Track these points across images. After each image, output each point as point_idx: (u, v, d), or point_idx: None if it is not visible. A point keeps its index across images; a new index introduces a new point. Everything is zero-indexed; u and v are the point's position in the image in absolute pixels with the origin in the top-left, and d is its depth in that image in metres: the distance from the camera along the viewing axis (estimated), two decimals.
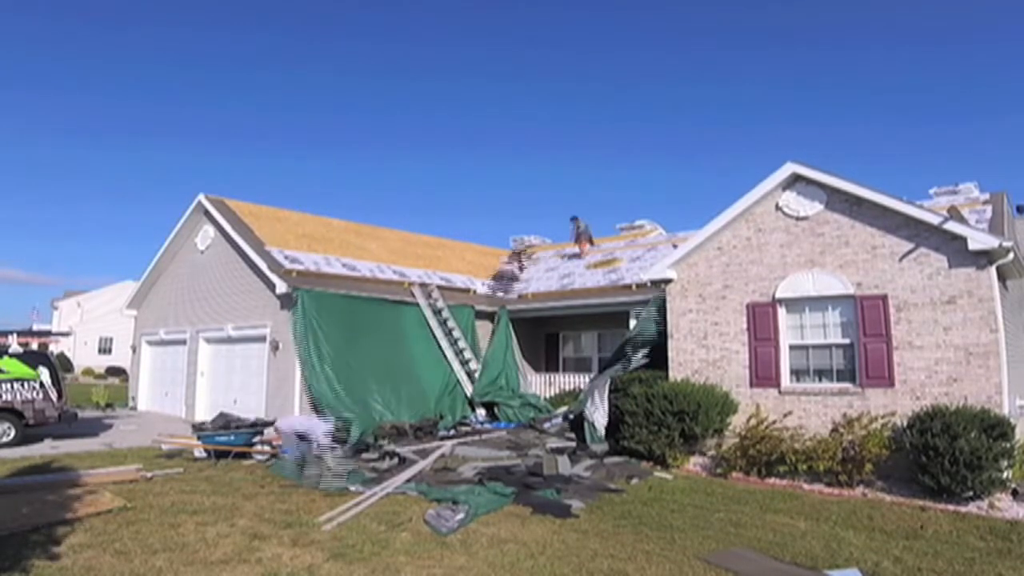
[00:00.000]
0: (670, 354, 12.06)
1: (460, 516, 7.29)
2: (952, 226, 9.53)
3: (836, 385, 10.35)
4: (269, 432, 12.04)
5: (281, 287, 14.21)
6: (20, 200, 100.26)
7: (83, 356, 44.04)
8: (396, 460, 10.73)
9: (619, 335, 16.47)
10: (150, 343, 20.28)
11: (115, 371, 39.34)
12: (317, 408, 13.67)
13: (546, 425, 13.74)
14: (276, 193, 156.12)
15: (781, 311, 10.98)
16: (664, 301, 12.56)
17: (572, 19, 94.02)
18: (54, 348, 31.03)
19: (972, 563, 6.08)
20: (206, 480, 9.38)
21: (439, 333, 16.49)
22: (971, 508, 8.08)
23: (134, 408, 20.14)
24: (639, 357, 13.18)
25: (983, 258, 9.40)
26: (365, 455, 11.36)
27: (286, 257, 15.60)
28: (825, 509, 8.04)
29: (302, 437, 10.39)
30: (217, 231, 17.32)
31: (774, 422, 10.38)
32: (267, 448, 11.42)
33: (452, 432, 14.05)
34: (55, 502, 7.66)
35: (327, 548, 6.24)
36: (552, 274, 20.04)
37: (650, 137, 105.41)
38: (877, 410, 9.75)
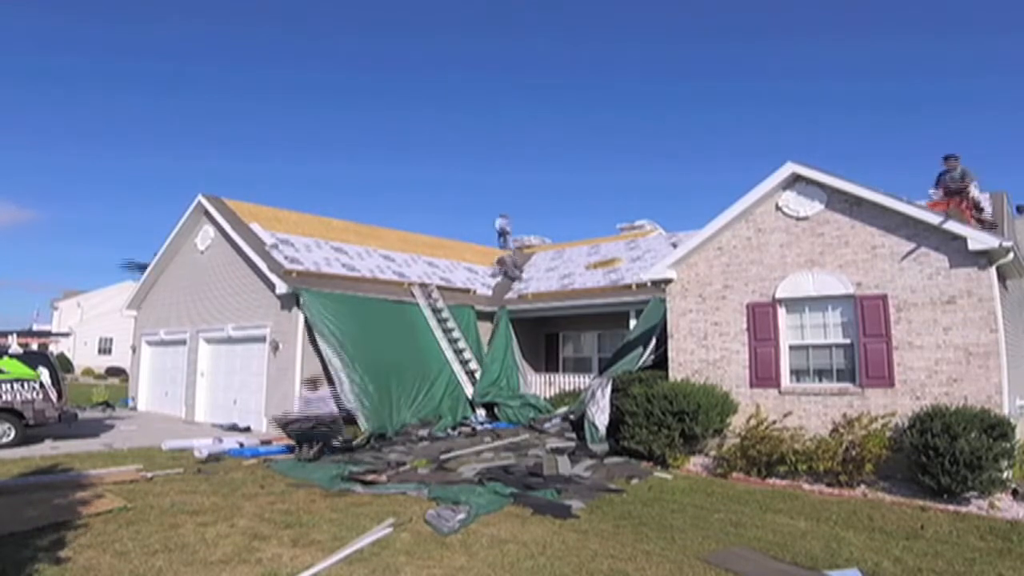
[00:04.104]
0: (670, 354, 12.06)
1: (461, 516, 7.29)
2: (952, 226, 9.53)
3: (836, 385, 10.35)
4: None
5: (281, 287, 14.22)
6: (19, 201, 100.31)
7: (83, 356, 44.02)
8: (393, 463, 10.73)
9: (619, 335, 16.48)
10: (150, 343, 20.28)
11: (115, 371, 39.33)
12: (344, 407, 13.68)
13: (546, 425, 13.74)
14: (276, 193, 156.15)
15: (781, 311, 10.98)
16: (664, 301, 12.56)
17: (572, 18, 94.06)
18: (54, 348, 31.03)
19: (972, 563, 6.08)
20: (206, 480, 9.37)
21: (439, 334, 16.49)
22: (971, 508, 8.08)
23: (134, 408, 20.15)
24: (641, 357, 13.19)
25: (983, 258, 9.40)
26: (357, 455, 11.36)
27: (286, 257, 15.61)
28: (825, 509, 8.04)
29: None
30: (217, 231, 17.33)
31: (774, 422, 10.38)
32: None
33: (452, 432, 14.07)
34: (55, 502, 7.66)
35: (327, 548, 6.24)
36: (552, 274, 20.05)
37: (650, 137, 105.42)
38: (877, 410, 9.75)
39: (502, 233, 24.35)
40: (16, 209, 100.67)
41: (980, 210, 10.94)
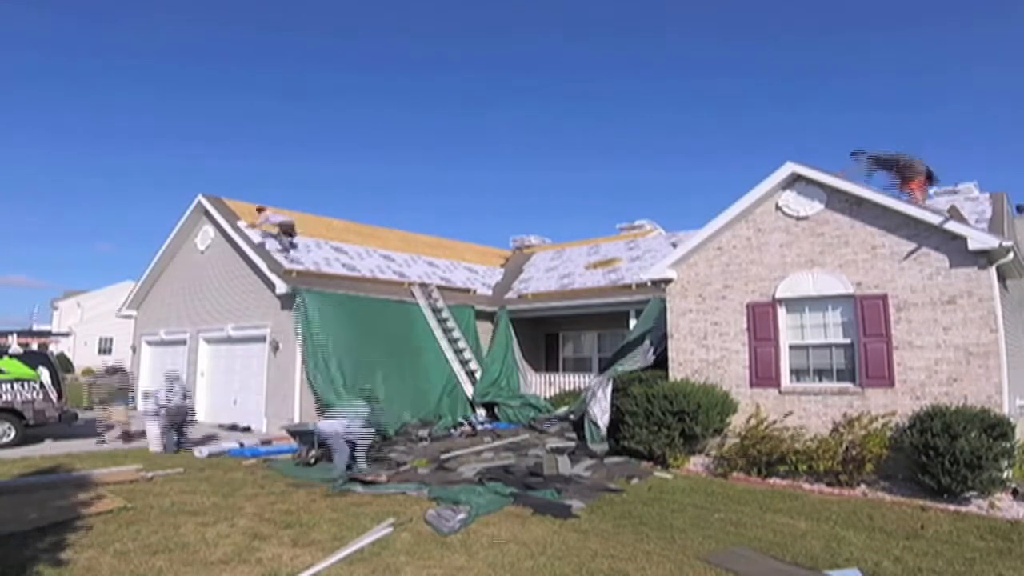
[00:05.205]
0: (670, 354, 12.06)
1: (461, 516, 7.29)
2: (952, 226, 9.53)
3: (836, 385, 10.35)
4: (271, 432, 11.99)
5: (281, 287, 14.22)
6: (18, 203, 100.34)
7: (83, 356, 43.99)
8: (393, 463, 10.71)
9: (619, 335, 16.48)
10: (150, 343, 20.27)
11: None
12: (322, 409, 13.66)
13: (546, 425, 13.74)
14: (276, 193, 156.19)
15: (781, 311, 10.98)
16: (664, 301, 12.56)
17: (572, 18, 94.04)
18: (54, 348, 30.99)
19: (972, 563, 6.08)
20: (206, 480, 9.38)
21: (439, 334, 16.49)
22: (971, 508, 8.08)
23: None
24: (641, 357, 13.18)
25: (983, 258, 9.40)
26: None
27: (286, 257, 15.60)
28: (825, 509, 8.04)
29: (349, 441, 10.40)
30: (217, 231, 17.32)
31: (774, 422, 10.38)
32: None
33: (452, 432, 14.06)
34: (55, 503, 7.66)
35: (327, 548, 6.24)
36: (552, 274, 20.04)
37: (650, 137, 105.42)
38: (877, 410, 9.76)
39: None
40: (16, 209, 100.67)
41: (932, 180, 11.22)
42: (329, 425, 10.47)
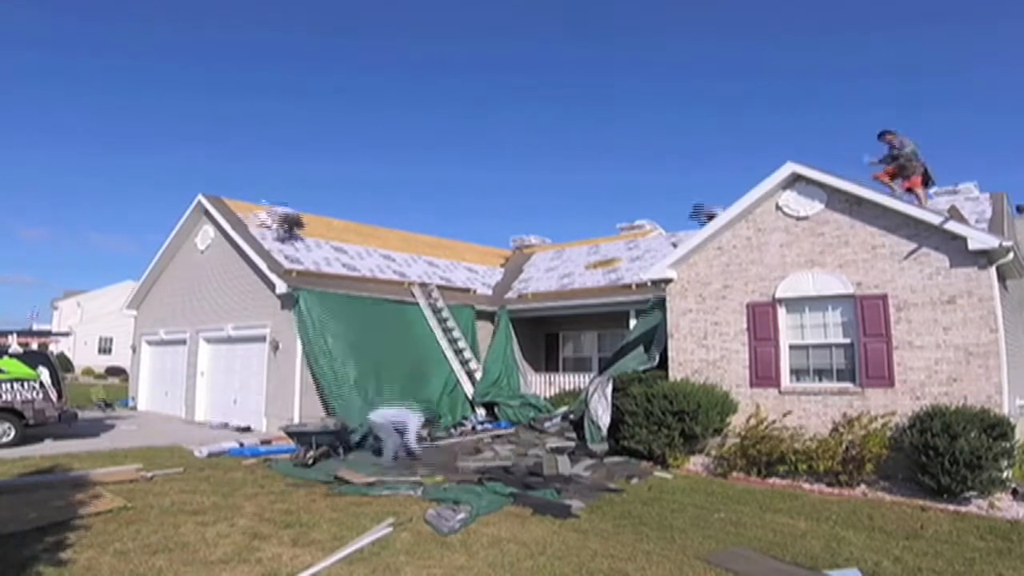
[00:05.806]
0: (670, 354, 12.06)
1: (461, 516, 7.29)
2: (952, 226, 9.53)
3: (836, 385, 10.35)
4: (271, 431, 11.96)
5: (281, 287, 14.22)
6: (18, 203, 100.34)
7: (83, 356, 44.00)
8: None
9: (619, 335, 16.47)
10: (150, 343, 20.28)
11: (115, 371, 39.33)
12: (328, 409, 13.66)
13: (546, 425, 13.74)
14: (276, 193, 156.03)
15: (781, 311, 10.97)
16: (664, 301, 12.56)
17: (572, 18, 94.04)
18: (54, 348, 30.95)
19: (972, 563, 6.08)
20: (206, 480, 9.37)
21: (439, 333, 16.48)
22: (971, 508, 8.08)
23: (134, 408, 20.14)
24: (641, 357, 13.18)
25: (983, 258, 9.40)
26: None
27: (286, 257, 15.60)
28: (825, 509, 8.04)
29: (398, 430, 10.91)
30: (217, 231, 17.32)
31: (774, 422, 10.38)
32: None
33: (452, 432, 14.05)
34: (55, 502, 7.65)
35: (327, 548, 6.24)
36: (552, 274, 20.04)
37: (650, 137, 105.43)
38: (877, 410, 9.75)
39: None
40: (16, 209, 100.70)
41: (931, 181, 11.12)
42: (380, 416, 11.19)
